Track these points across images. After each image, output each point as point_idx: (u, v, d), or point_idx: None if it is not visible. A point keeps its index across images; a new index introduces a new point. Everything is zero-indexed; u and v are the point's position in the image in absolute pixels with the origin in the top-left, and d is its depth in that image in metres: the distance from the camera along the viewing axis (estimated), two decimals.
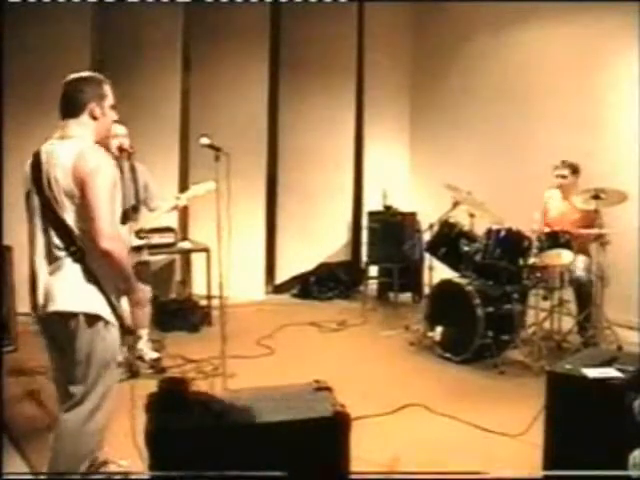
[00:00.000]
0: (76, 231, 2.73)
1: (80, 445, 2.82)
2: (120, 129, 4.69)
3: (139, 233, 4.78)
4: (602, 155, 5.97)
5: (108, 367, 2.83)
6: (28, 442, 3.65)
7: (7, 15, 4.76)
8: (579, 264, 5.36)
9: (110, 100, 2.89)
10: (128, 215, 4.55)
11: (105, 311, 2.77)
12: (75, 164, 2.69)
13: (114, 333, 2.82)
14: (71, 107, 2.82)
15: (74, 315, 2.73)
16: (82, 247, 2.73)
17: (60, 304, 2.74)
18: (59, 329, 2.78)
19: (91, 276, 2.73)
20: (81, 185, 2.68)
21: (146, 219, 4.89)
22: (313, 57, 7.50)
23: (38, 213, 2.79)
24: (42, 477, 3.02)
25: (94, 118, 2.83)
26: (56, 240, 2.74)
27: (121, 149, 4.66)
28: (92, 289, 2.74)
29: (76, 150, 2.72)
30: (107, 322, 2.77)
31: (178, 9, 6.79)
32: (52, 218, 2.74)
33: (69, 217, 2.73)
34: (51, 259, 2.76)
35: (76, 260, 2.74)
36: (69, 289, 2.74)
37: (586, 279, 5.37)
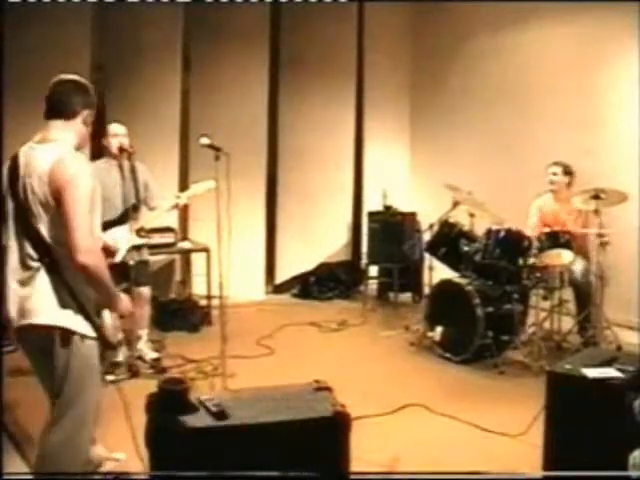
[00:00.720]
0: (51, 242, 2.59)
1: (63, 465, 2.71)
2: (120, 129, 4.70)
3: (139, 232, 4.78)
4: (602, 155, 5.97)
5: (87, 382, 2.71)
6: (28, 442, 3.65)
7: (7, 15, 4.75)
8: (577, 267, 5.36)
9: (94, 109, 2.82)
10: (128, 214, 4.61)
11: (81, 325, 2.64)
12: (53, 170, 2.55)
13: (92, 347, 2.70)
14: (63, 109, 2.70)
15: (48, 329, 2.61)
16: (57, 258, 2.60)
17: (34, 317, 2.62)
18: (34, 342, 2.68)
19: (66, 289, 2.61)
20: (58, 193, 2.53)
21: (146, 219, 4.89)
22: (313, 57, 7.50)
23: (12, 220, 2.65)
24: (42, 477, 3.01)
25: (85, 125, 2.76)
26: (30, 250, 2.61)
27: (121, 149, 4.67)
28: (67, 302, 2.61)
29: (55, 155, 2.58)
30: (83, 336, 2.65)
31: (178, 9, 6.79)
32: (26, 226, 2.61)
33: (44, 227, 2.59)
34: (25, 269, 2.63)
35: (50, 271, 2.60)
36: (43, 302, 2.61)
37: (583, 281, 5.38)
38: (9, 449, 3.60)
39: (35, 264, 2.62)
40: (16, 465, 3.44)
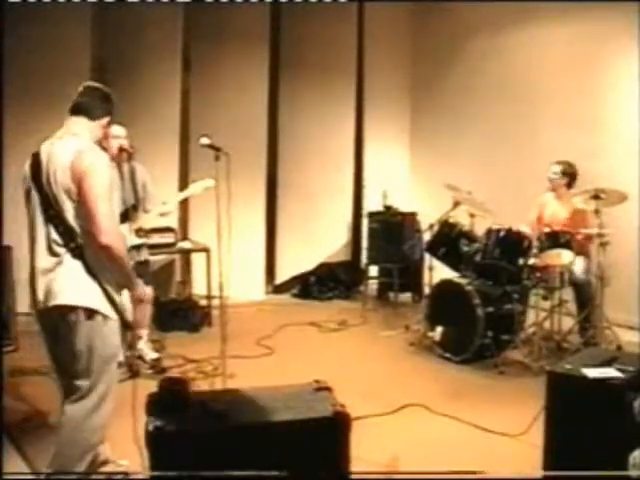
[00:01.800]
0: (76, 228, 2.80)
1: (83, 437, 2.90)
2: (121, 130, 4.68)
3: (138, 232, 4.78)
4: (602, 155, 5.97)
5: (110, 361, 2.92)
6: (28, 442, 3.65)
7: (7, 15, 4.75)
8: (577, 267, 5.35)
9: None
10: (128, 214, 4.61)
11: (104, 306, 2.84)
12: (73, 161, 2.78)
13: (114, 327, 2.90)
14: (91, 109, 2.95)
15: (73, 309, 2.80)
16: (81, 243, 2.80)
17: (60, 298, 2.80)
18: (59, 323, 2.84)
19: (90, 272, 2.81)
20: (79, 182, 2.76)
21: (146, 218, 4.89)
22: (313, 57, 7.50)
23: (38, 210, 2.85)
24: (42, 477, 3.02)
25: (102, 128, 3.02)
26: (56, 237, 2.82)
27: (121, 149, 4.67)
28: (91, 284, 2.81)
29: (75, 148, 2.81)
30: (106, 317, 2.84)
31: (178, 9, 6.79)
32: (52, 215, 2.82)
33: (69, 214, 2.80)
34: (51, 255, 2.83)
35: (75, 256, 2.81)
36: (69, 284, 2.81)
37: (584, 281, 5.37)
38: (9, 449, 3.60)
39: (61, 250, 2.82)
40: (16, 465, 3.43)
